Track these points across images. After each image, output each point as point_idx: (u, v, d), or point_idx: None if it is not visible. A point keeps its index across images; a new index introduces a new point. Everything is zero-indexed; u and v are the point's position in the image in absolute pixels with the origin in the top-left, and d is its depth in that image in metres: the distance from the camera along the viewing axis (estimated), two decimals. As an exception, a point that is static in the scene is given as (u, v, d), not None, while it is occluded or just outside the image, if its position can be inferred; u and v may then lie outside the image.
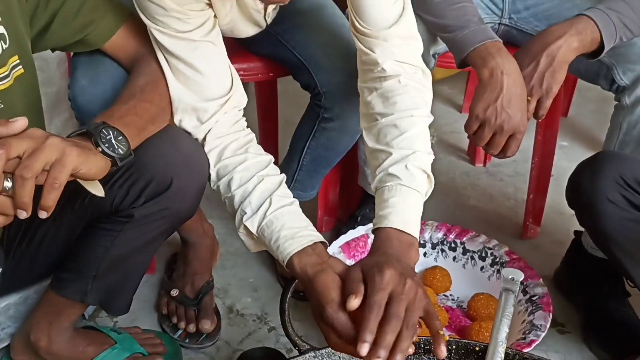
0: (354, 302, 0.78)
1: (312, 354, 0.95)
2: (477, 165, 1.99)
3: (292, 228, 0.91)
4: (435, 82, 1.09)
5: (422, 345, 0.98)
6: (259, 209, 0.93)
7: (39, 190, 0.69)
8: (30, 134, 0.68)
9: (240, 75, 1.08)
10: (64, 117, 1.46)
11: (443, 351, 0.80)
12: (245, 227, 0.94)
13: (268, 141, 1.53)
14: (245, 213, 0.94)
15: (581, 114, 2.29)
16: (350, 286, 0.81)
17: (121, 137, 0.79)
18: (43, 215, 0.68)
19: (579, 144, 2.19)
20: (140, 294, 1.28)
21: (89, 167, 0.73)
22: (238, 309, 1.37)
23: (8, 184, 0.65)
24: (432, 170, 1.00)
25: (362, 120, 1.05)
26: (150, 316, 1.32)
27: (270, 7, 1.12)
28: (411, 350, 0.78)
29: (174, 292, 1.30)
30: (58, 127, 1.22)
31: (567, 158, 2.13)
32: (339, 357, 0.97)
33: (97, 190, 0.77)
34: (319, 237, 0.91)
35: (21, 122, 0.69)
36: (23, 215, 0.67)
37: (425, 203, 1.00)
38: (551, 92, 1.10)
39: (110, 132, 0.78)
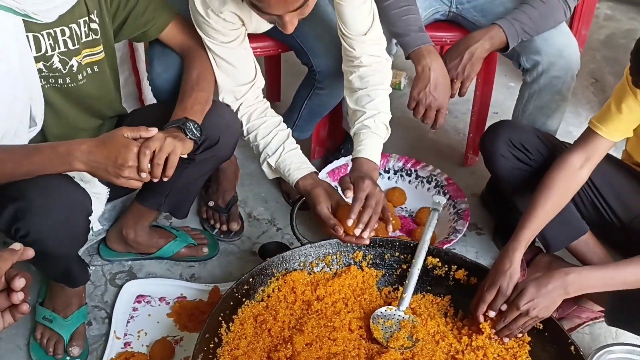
0: (350, 193, 1.38)
1: (309, 245, 1.52)
2: (439, 104, 2.51)
3: (297, 163, 1.47)
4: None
5: (377, 241, 1.56)
6: (276, 152, 1.48)
7: None
8: (158, 137, 1.19)
9: (257, 51, 1.58)
10: (125, 75, 1.94)
11: (390, 230, 1.42)
12: (268, 163, 1.50)
13: (274, 95, 2.04)
14: (268, 154, 1.49)
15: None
16: (345, 186, 1.41)
17: (197, 126, 1.32)
18: (165, 179, 1.22)
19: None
20: (188, 204, 1.84)
21: (185, 150, 1.26)
22: (255, 215, 1.94)
23: (148, 166, 1.19)
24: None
25: (346, 90, 1.57)
26: (195, 219, 1.88)
27: None
28: (370, 235, 1.37)
29: (211, 203, 1.86)
30: (121, 82, 1.70)
31: (512, 98, 2.60)
32: (325, 247, 1.53)
33: (184, 155, 1.30)
34: (313, 169, 1.49)
35: (154, 130, 1.20)
36: (155, 181, 1.21)
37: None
38: (470, 78, 1.61)
39: (191, 124, 1.30)
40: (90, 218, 1.32)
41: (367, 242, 1.40)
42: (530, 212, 1.43)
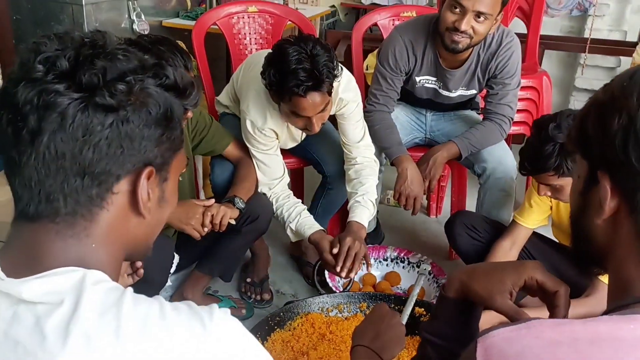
0: (335, 250, 1.96)
1: (326, 295, 2.04)
2: (431, 217, 3.11)
3: (309, 224, 2.10)
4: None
5: (378, 296, 2.08)
6: (295, 219, 2.10)
7: None
8: (215, 206, 1.84)
9: (286, 165, 2.26)
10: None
11: (369, 270, 2.03)
12: (290, 228, 2.11)
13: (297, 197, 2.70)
14: (290, 221, 2.11)
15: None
16: (334, 244, 1.99)
17: (242, 200, 1.95)
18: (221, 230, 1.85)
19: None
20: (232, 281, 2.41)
21: (233, 215, 1.89)
22: (281, 291, 2.47)
23: (210, 225, 1.82)
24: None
25: (346, 182, 2.21)
26: (235, 292, 2.43)
27: (305, 134, 2.31)
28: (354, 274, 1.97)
29: (248, 280, 2.41)
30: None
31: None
32: (338, 297, 2.05)
33: (233, 221, 1.92)
34: (322, 228, 2.09)
35: (212, 201, 1.85)
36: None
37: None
38: (435, 177, 2.24)
39: (238, 198, 1.94)
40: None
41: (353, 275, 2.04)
42: None
